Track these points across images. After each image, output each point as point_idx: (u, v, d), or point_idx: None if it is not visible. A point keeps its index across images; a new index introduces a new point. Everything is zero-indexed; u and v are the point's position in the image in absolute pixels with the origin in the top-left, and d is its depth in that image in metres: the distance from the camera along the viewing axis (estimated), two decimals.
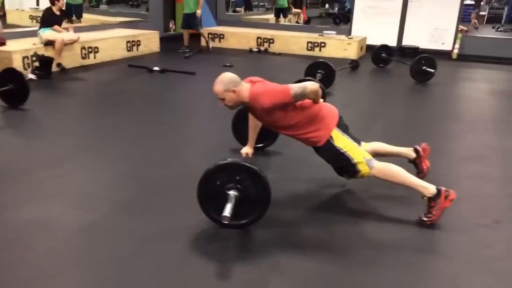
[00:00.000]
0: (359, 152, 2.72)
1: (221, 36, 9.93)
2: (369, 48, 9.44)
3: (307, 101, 2.69)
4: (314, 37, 9.28)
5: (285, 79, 4.75)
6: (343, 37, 9.24)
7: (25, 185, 2.99)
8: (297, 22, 14.34)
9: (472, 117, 5.08)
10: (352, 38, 9.13)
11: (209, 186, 2.46)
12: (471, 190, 2.99)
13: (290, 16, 13.59)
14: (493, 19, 15.62)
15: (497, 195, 3.07)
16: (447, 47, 9.51)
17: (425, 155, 3.18)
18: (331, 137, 2.70)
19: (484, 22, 15.64)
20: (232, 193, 2.43)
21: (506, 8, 16.05)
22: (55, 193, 2.90)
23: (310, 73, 5.87)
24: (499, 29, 14.44)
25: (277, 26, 11.57)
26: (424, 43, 9.56)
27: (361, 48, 9.30)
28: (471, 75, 7.69)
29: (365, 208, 2.85)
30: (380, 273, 2.17)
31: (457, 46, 9.30)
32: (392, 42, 9.35)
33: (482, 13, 15.68)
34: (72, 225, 2.52)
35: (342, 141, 2.71)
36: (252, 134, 3.16)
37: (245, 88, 2.67)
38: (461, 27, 9.64)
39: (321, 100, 2.76)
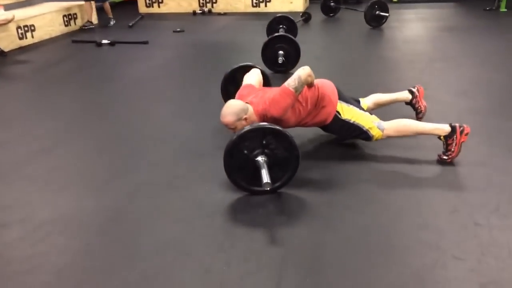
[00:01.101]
0: (367, 118, 2.77)
1: (160, 0, 9.38)
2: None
3: (304, 90, 2.67)
4: None
5: (241, 38, 4.68)
6: None
7: (21, 183, 2.68)
8: None
9: (440, 54, 5.22)
10: None
11: (235, 157, 2.36)
12: (474, 123, 3.08)
13: None
14: None
15: (497, 126, 3.20)
16: None
17: (421, 95, 3.24)
18: (337, 111, 2.74)
19: None
20: (261, 158, 2.35)
21: None
22: (60, 186, 2.63)
23: (272, 29, 5.72)
24: None
25: None
26: None
27: (306, 0, 9.21)
28: (417, 15, 7.89)
29: (383, 161, 2.86)
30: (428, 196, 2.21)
31: None
32: None
33: None
34: (99, 217, 2.31)
35: (348, 112, 2.76)
36: None
37: (252, 111, 2.60)
38: None
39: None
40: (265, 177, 2.24)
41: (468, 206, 2.27)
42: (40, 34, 6.71)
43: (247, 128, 2.33)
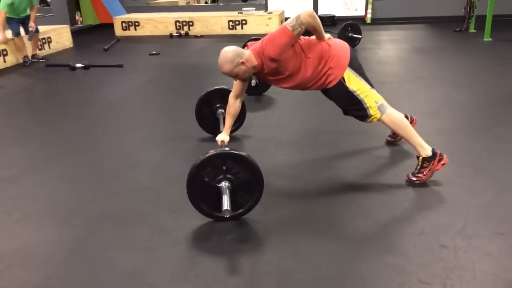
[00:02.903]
0: (372, 96, 2.65)
1: (136, 23, 9.40)
2: None
3: (313, 39, 2.60)
4: (234, 15, 9.13)
5: (214, 60, 4.61)
6: (262, 12, 9.20)
7: None
8: (205, 2, 14.05)
9: (410, 75, 5.33)
10: (271, 13, 9.12)
11: (198, 185, 2.30)
12: (441, 144, 3.12)
13: None
14: None
15: (464, 146, 3.26)
16: (360, 12, 9.89)
17: (413, 124, 3.14)
18: (343, 77, 2.60)
19: None
20: (223, 184, 2.30)
21: None
22: (23, 216, 2.55)
23: None
24: None
25: (193, 8, 11.25)
26: (339, 11, 9.85)
27: (281, 21, 9.34)
28: (390, 37, 8.07)
29: (352, 179, 2.87)
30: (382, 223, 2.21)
31: (369, 11, 9.70)
32: None
33: None
34: (61, 248, 2.23)
35: (355, 83, 2.62)
36: (229, 121, 3.00)
37: (249, 53, 2.54)
38: None
39: (329, 36, 2.66)
40: (225, 204, 2.19)
41: (434, 227, 2.28)
42: (12, 59, 6.62)
43: (206, 155, 2.28)
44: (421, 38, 8.00)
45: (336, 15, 9.65)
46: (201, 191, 2.32)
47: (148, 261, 2.11)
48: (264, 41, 2.54)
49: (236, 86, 2.87)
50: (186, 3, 12.68)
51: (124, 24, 9.37)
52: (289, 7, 9.70)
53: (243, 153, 2.32)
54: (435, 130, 3.52)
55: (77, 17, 9.94)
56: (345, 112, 2.82)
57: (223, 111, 3.36)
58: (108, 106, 4.64)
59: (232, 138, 3.30)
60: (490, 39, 7.23)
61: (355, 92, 2.62)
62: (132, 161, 3.26)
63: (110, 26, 9.56)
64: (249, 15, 9.09)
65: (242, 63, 2.51)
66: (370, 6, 9.69)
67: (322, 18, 9.52)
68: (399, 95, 4.50)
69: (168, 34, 9.10)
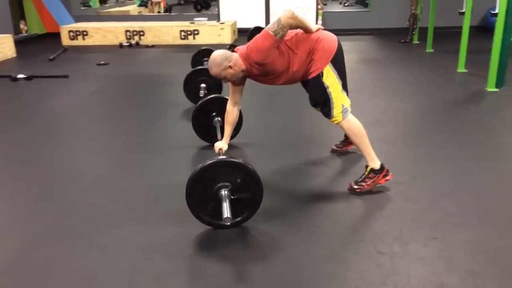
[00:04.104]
0: (340, 97, 2.70)
1: (84, 33, 9.16)
2: (240, 31, 9.60)
3: (301, 34, 2.63)
4: (186, 25, 9.09)
5: (168, 71, 4.63)
6: (214, 22, 9.22)
7: None
8: (158, 12, 13.93)
9: (357, 85, 5.47)
10: (224, 23, 9.15)
11: (197, 191, 2.31)
12: (382, 151, 3.22)
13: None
14: None
15: (404, 153, 3.38)
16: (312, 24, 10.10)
17: None
18: (322, 72, 2.64)
19: None
20: (223, 192, 2.29)
21: None
22: None
23: (196, 62, 5.74)
24: (345, 4, 15.79)
25: (145, 18, 11.11)
26: None
27: (234, 32, 9.39)
28: None
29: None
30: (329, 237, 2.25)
31: (320, 22, 9.93)
32: (261, 23, 9.62)
33: None
34: None
35: (330, 80, 2.66)
36: (228, 129, 3.02)
37: (236, 57, 2.63)
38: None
39: (317, 26, 2.69)
40: (226, 211, 2.17)
41: (373, 234, 2.34)
42: None
43: (206, 163, 2.28)
44: (368, 49, 8.27)
45: None
46: (200, 199, 2.32)
47: (85, 280, 2.04)
48: (248, 47, 2.60)
49: (233, 93, 2.93)
50: (138, 13, 12.53)
51: (71, 34, 9.11)
52: (241, 18, 9.77)
53: (241, 161, 2.33)
54: (377, 138, 3.61)
55: (21, 26, 9.57)
56: (314, 105, 2.87)
57: (219, 119, 3.42)
58: (52, 118, 4.48)
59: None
60: (432, 50, 7.57)
61: (327, 88, 2.66)
62: (75, 174, 3.15)
63: (57, 35, 9.27)
64: (201, 25, 9.08)
65: (230, 67, 2.61)
66: (320, 17, 9.93)
67: None
68: None
69: (118, 44, 8.93)
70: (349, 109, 2.75)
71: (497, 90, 4.95)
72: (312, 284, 1.99)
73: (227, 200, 2.24)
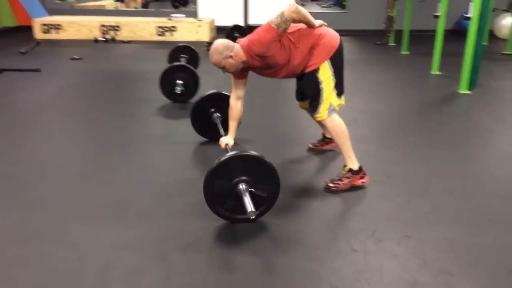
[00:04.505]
0: (331, 95, 2.70)
1: (58, 26, 8.91)
2: (218, 29, 9.53)
3: (304, 28, 2.62)
4: (163, 21, 8.94)
5: (144, 67, 4.50)
6: (192, 19, 9.12)
7: None
8: (135, 7, 13.71)
9: None
10: (202, 20, 9.06)
11: (215, 188, 2.28)
12: (359, 151, 3.23)
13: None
14: None
15: (380, 153, 3.40)
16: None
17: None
18: (319, 67, 2.65)
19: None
20: (242, 186, 2.27)
21: None
22: None
23: (173, 59, 5.66)
24: (323, 6, 15.86)
25: (121, 13, 10.91)
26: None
27: (211, 30, 9.31)
28: None
29: None
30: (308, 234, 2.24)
31: None
32: (239, 22, 9.58)
33: None
34: None
35: (325, 76, 2.66)
36: (233, 124, 2.97)
37: (238, 48, 2.63)
38: None
39: (320, 22, 2.68)
40: (248, 205, 2.16)
41: (348, 232, 2.34)
42: None
43: (222, 158, 2.25)
44: (345, 50, 8.30)
45: None
46: (218, 195, 2.30)
47: (51, 279, 1.96)
48: (250, 39, 2.59)
49: (235, 87, 2.90)
50: (115, 8, 12.30)
51: (44, 27, 8.84)
52: (219, 16, 9.70)
53: (257, 154, 2.32)
54: (353, 138, 3.56)
55: None
56: (301, 98, 2.91)
57: (219, 115, 3.43)
58: (20, 112, 4.34)
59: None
60: (407, 53, 7.68)
61: (321, 84, 2.66)
62: (43, 171, 3.05)
63: (29, 28, 8.99)
64: (178, 22, 8.95)
65: (231, 56, 2.60)
66: None
67: (252, 27, 9.58)
68: None
69: (93, 38, 8.73)
70: (336, 109, 2.76)
71: (469, 92, 5.05)
72: (287, 281, 1.97)
73: (247, 194, 2.23)
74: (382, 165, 3.16)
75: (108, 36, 8.84)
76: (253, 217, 2.18)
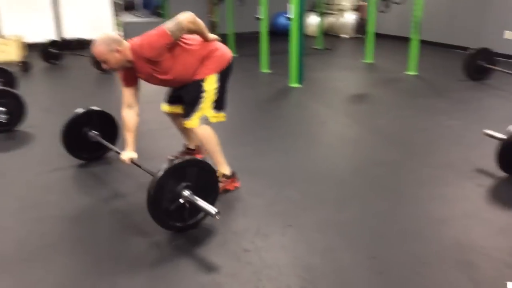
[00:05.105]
0: (207, 108, 2.67)
1: None
2: (30, 46, 8.58)
3: (198, 40, 2.60)
4: None
5: None
6: None
7: None
8: None
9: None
10: (7, 38, 8.02)
11: (161, 201, 2.22)
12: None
13: None
14: (129, 7, 16.09)
15: (234, 153, 3.48)
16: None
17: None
18: (205, 78, 2.61)
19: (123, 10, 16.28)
20: (186, 193, 2.26)
21: None
22: None
23: None
24: (138, 15, 15.47)
25: None
26: (87, 34, 9.40)
27: (21, 47, 8.31)
28: None
29: None
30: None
31: (120, 32, 9.58)
32: (53, 36, 8.79)
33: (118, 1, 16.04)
34: None
35: (210, 87, 2.63)
36: (131, 136, 2.76)
37: (127, 46, 2.50)
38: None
39: (214, 36, 2.67)
40: (208, 207, 2.19)
41: (234, 234, 2.35)
42: None
43: (161, 171, 2.19)
44: None
45: (85, 37, 9.18)
46: (166, 207, 2.24)
47: None
48: (142, 41, 2.50)
49: (124, 96, 2.72)
50: None
51: None
52: (29, 31, 8.72)
53: (199, 159, 2.40)
54: None
55: None
56: (173, 102, 2.87)
57: (96, 132, 3.22)
58: None
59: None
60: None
61: (203, 93, 2.62)
62: None
63: None
64: None
65: (118, 51, 2.46)
66: (120, 27, 9.58)
67: (70, 41, 8.86)
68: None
69: None
70: (210, 121, 2.72)
71: (299, 85, 5.56)
72: None
73: (196, 198, 2.24)
74: (239, 164, 3.11)
75: None
76: (219, 217, 2.20)
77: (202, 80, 2.63)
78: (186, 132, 3.15)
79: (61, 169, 3.23)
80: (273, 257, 2.14)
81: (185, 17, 2.45)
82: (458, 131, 3.85)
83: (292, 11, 5.22)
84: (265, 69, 6.49)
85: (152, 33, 2.49)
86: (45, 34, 8.76)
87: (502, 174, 2.94)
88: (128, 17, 14.78)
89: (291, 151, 3.50)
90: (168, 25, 2.45)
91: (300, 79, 5.58)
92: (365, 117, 4.37)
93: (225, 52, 2.71)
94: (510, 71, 5.28)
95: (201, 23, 2.54)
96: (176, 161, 2.29)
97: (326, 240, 2.29)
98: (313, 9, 9.90)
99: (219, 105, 2.73)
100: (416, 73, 6.15)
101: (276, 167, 3.19)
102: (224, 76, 2.69)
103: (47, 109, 4.80)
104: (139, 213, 2.60)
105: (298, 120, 4.36)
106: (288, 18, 5.32)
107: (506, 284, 1.94)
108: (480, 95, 5.04)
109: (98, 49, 2.45)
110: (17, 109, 4.03)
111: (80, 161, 3.30)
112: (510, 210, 2.59)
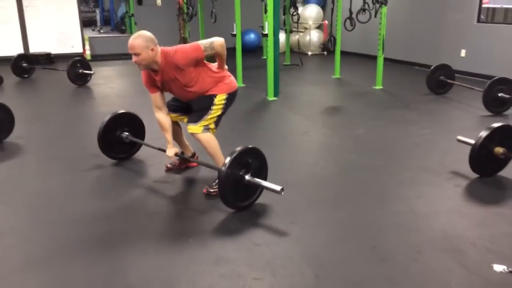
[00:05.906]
0: (212, 119, 2.95)
1: None
2: None
3: (215, 67, 2.95)
4: None
5: None
6: None
7: None
8: None
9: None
10: None
11: (230, 184, 2.58)
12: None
13: None
14: (90, 22, 15.72)
15: None
16: (78, 49, 9.62)
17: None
18: (218, 94, 2.93)
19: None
20: (247, 177, 2.66)
21: (98, 11, 16.49)
22: None
23: None
24: (101, 31, 15.13)
25: None
26: (54, 48, 9.33)
27: None
28: (117, 72, 8.15)
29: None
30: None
31: (87, 47, 9.54)
32: (20, 50, 8.66)
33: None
34: None
35: (220, 103, 2.94)
36: (169, 135, 3.02)
37: (159, 49, 2.75)
38: None
39: (226, 67, 3.02)
40: (272, 185, 2.59)
41: (243, 230, 2.50)
42: None
43: (230, 157, 2.56)
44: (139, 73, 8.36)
45: (52, 52, 9.10)
46: (233, 189, 2.61)
47: None
48: (175, 49, 2.77)
49: (154, 100, 2.99)
50: None
51: None
52: None
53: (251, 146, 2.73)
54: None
55: None
56: (177, 110, 3.10)
57: (128, 133, 3.47)
58: None
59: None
60: None
61: (213, 105, 2.92)
62: None
63: None
64: None
65: (152, 49, 2.69)
66: (87, 43, 9.55)
67: (37, 56, 8.71)
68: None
69: None
70: (212, 130, 2.99)
71: (276, 98, 5.80)
72: (212, 285, 2.01)
73: (257, 180, 2.66)
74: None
75: None
76: (282, 193, 2.55)
77: (214, 96, 2.93)
78: (182, 140, 3.36)
79: (60, 175, 3.30)
80: (283, 249, 2.31)
81: (219, 40, 2.84)
82: (430, 139, 4.18)
83: (267, 28, 5.48)
84: (240, 83, 6.69)
85: (187, 46, 2.79)
86: (12, 48, 8.64)
87: (474, 175, 3.25)
88: (88, 32, 14.61)
89: (280, 157, 3.69)
90: (202, 43, 2.78)
91: (276, 93, 5.82)
92: (343, 127, 4.65)
93: (234, 81, 3.10)
94: (468, 85, 5.74)
95: (226, 52, 2.90)
96: (237, 150, 2.62)
97: (328, 234, 2.48)
98: (280, 27, 10.26)
99: (217, 122, 3.01)
100: (382, 87, 6.55)
101: (270, 171, 3.35)
102: (230, 99, 3.02)
103: (29, 120, 4.77)
104: (149, 214, 2.72)
105: (281, 130, 4.58)
106: (265, 35, 5.57)
107: (492, 266, 2.19)
108: (443, 107, 5.46)
109: (137, 41, 2.68)
110: (5, 121, 4.02)
111: (77, 167, 3.37)
112: (485, 206, 2.88)
